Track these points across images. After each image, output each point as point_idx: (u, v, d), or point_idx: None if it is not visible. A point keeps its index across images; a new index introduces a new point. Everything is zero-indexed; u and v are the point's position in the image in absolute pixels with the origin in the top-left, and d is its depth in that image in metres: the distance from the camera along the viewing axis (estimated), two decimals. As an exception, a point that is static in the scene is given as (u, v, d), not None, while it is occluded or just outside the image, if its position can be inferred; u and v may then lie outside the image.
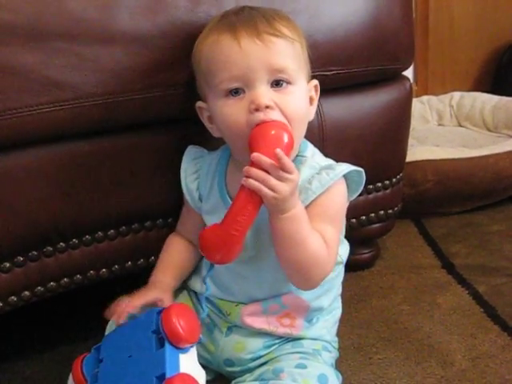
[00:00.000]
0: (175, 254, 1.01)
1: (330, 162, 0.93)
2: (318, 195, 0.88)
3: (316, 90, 0.94)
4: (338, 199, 0.92)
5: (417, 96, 2.09)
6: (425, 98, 2.13)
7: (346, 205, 0.95)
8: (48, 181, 0.95)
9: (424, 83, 2.36)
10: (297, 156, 0.91)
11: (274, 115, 0.83)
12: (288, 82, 0.85)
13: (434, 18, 2.31)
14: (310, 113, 0.92)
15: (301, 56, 0.89)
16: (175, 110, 0.98)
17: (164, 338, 0.80)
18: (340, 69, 1.08)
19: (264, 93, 0.83)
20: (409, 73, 1.23)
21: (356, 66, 1.10)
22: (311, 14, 1.04)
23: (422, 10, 2.26)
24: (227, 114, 0.86)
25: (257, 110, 0.83)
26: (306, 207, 0.88)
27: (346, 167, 0.91)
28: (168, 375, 0.76)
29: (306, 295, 0.94)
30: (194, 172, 0.98)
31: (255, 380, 0.91)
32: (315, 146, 1.08)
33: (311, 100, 0.92)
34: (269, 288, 0.94)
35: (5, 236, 0.95)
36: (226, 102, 0.85)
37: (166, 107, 0.97)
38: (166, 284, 0.96)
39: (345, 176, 0.91)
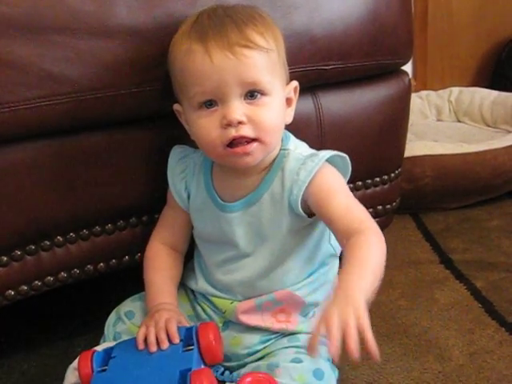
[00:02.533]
0: (166, 272, 0.99)
1: (314, 151, 0.93)
2: (310, 182, 0.88)
3: (295, 92, 0.92)
4: (332, 177, 0.91)
5: (416, 91, 2.09)
6: (423, 93, 2.13)
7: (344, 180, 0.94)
8: (45, 175, 0.95)
9: (423, 78, 2.35)
10: (280, 150, 0.91)
11: (246, 131, 0.84)
12: (262, 94, 0.85)
13: (432, 13, 2.30)
14: (289, 115, 0.92)
15: (276, 64, 0.87)
16: (173, 104, 0.97)
17: (195, 348, 0.84)
18: (339, 63, 1.08)
19: (236, 108, 0.83)
20: (408, 68, 1.23)
21: (355, 61, 1.10)
22: (311, 8, 1.03)
23: (421, 4, 2.26)
24: (200, 126, 0.86)
25: (229, 125, 0.83)
26: (308, 199, 0.88)
27: (328, 152, 0.90)
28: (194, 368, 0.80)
29: (300, 291, 0.95)
30: (181, 172, 0.97)
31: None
32: (313, 140, 1.08)
33: (289, 102, 0.91)
34: (263, 285, 0.94)
35: (2, 230, 0.95)
36: (199, 114, 0.86)
37: (164, 102, 0.96)
38: (174, 305, 0.96)
39: (330, 163, 0.91)
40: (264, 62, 0.84)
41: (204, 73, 0.82)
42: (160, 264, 0.99)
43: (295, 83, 0.92)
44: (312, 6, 1.04)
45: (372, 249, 0.83)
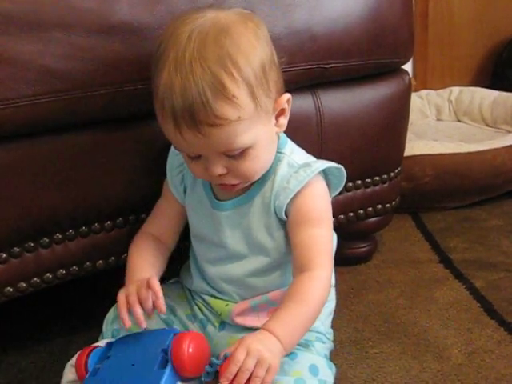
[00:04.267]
0: (149, 258, 0.97)
1: (310, 159, 0.92)
2: (297, 195, 0.87)
3: (288, 103, 0.89)
4: (319, 199, 0.90)
5: (416, 91, 2.09)
6: (424, 92, 2.12)
7: (329, 200, 0.93)
8: (45, 171, 0.95)
9: (423, 78, 2.35)
10: (278, 154, 0.90)
11: (229, 179, 0.85)
12: (243, 150, 0.82)
13: (433, 12, 2.30)
14: (282, 124, 0.89)
15: (255, 115, 0.81)
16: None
17: (169, 361, 0.80)
18: (339, 62, 1.08)
19: (216, 165, 0.83)
20: (408, 67, 1.23)
21: (355, 60, 1.10)
22: (311, 6, 1.03)
23: (421, 4, 2.26)
24: (188, 165, 0.88)
25: (211, 176, 0.85)
26: (289, 212, 0.88)
27: (322, 163, 0.90)
28: None
29: None
30: (180, 165, 0.97)
31: None
32: (313, 139, 1.09)
33: (283, 111, 0.88)
34: (258, 286, 0.94)
35: (1, 226, 0.95)
36: (185, 157, 0.87)
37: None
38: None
39: (325, 173, 0.91)
40: (238, 129, 0.80)
41: (180, 144, 0.82)
42: (143, 251, 0.97)
43: (287, 96, 0.87)
44: (313, 4, 1.04)
45: (315, 287, 0.84)
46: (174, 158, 0.98)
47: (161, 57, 0.80)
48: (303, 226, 0.87)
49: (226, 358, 0.77)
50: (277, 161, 0.90)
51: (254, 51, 0.80)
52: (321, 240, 0.88)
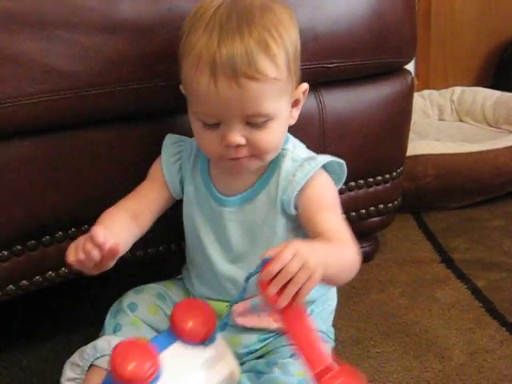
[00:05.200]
0: (120, 224, 0.90)
1: (312, 154, 0.93)
2: (304, 187, 0.88)
3: (304, 93, 0.91)
4: (327, 188, 0.91)
5: (418, 90, 2.09)
6: (426, 92, 2.12)
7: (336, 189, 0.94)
8: (47, 170, 0.95)
9: (425, 78, 2.35)
10: (282, 150, 0.91)
11: (244, 153, 0.84)
12: (265, 119, 0.84)
13: (435, 12, 2.30)
14: (293, 116, 0.91)
15: (284, 87, 0.84)
16: (176, 100, 0.97)
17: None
18: (342, 61, 1.08)
19: (236, 132, 0.83)
20: (410, 67, 1.23)
21: (358, 59, 1.10)
22: (314, 5, 1.03)
23: (424, 4, 2.25)
24: (200, 138, 0.87)
25: (228, 146, 0.84)
26: (298, 205, 0.88)
27: (326, 157, 0.91)
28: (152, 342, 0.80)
29: None
30: (176, 153, 0.96)
31: (249, 371, 0.90)
32: (315, 138, 1.09)
33: (297, 102, 0.90)
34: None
35: (3, 225, 0.95)
36: (201, 128, 0.86)
37: (166, 97, 0.96)
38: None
39: (326, 169, 0.91)
40: (271, 91, 0.82)
41: (208, 98, 0.81)
42: (117, 221, 0.90)
43: (305, 86, 0.90)
44: (316, 3, 1.04)
45: (345, 248, 0.83)
46: (170, 148, 0.97)
47: (200, 18, 0.82)
48: (320, 214, 0.87)
49: (264, 262, 0.73)
50: (281, 157, 0.90)
51: (292, 29, 0.85)
52: (340, 223, 0.88)
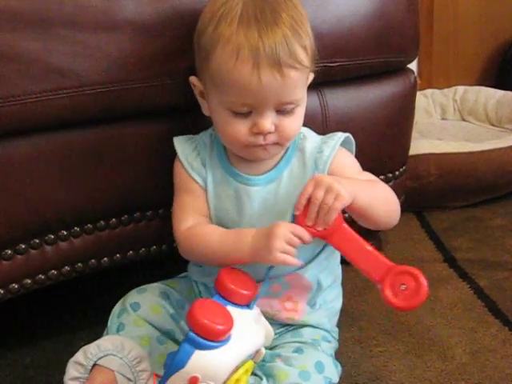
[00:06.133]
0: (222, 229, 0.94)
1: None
2: (333, 161, 0.93)
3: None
4: (349, 156, 0.98)
5: (420, 89, 2.08)
6: (428, 91, 2.12)
7: None
8: (50, 169, 0.95)
9: (428, 77, 2.35)
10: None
11: (272, 139, 0.88)
12: (294, 106, 0.88)
13: (438, 11, 2.30)
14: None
15: (308, 72, 0.90)
16: (179, 99, 0.98)
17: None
18: (345, 60, 1.08)
19: (269, 119, 0.86)
20: (413, 66, 1.23)
21: (361, 58, 1.10)
22: (317, 4, 1.03)
23: (426, 3, 2.25)
24: (228, 126, 0.88)
25: (259, 133, 0.87)
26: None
27: (343, 133, 0.97)
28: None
29: (308, 273, 0.95)
30: (194, 149, 0.97)
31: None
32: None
33: None
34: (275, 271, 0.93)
35: (6, 223, 0.95)
36: (230, 116, 0.87)
37: (169, 96, 0.97)
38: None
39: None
40: (302, 78, 0.88)
41: (249, 88, 0.83)
42: (210, 228, 0.94)
43: (312, 76, 0.94)
44: (318, 2, 1.04)
45: (376, 184, 0.96)
46: (185, 145, 0.97)
47: (229, 11, 0.84)
48: (353, 175, 0.94)
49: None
50: (298, 139, 0.95)
51: (307, 19, 0.89)
52: (371, 176, 0.98)
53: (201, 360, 0.78)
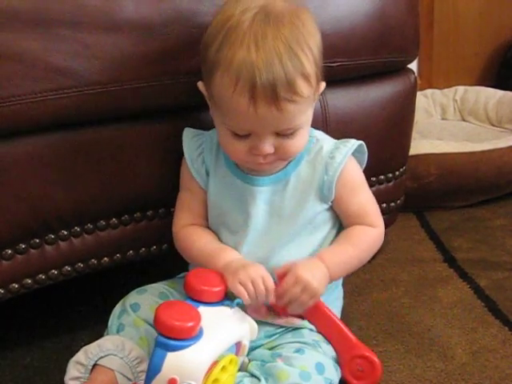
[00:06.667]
0: (212, 236, 0.98)
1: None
2: (342, 169, 0.93)
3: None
4: (358, 168, 0.99)
5: (421, 89, 2.08)
6: (429, 91, 2.12)
7: None
8: (51, 168, 0.95)
9: (428, 77, 2.35)
10: (310, 137, 0.95)
11: (272, 158, 0.88)
12: (295, 130, 0.87)
13: (438, 11, 2.30)
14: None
15: (313, 97, 0.89)
16: (179, 98, 0.98)
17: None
18: (345, 60, 1.08)
19: (267, 143, 0.86)
20: (413, 66, 1.23)
21: (361, 58, 1.10)
22: (317, 4, 1.03)
23: (427, 3, 2.25)
24: (228, 145, 0.89)
25: (257, 155, 0.87)
26: (337, 186, 0.94)
27: (356, 140, 0.97)
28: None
29: None
30: (198, 147, 0.98)
31: (254, 360, 0.91)
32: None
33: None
34: (272, 260, 0.95)
35: (7, 223, 0.95)
36: (230, 136, 0.88)
37: (170, 96, 0.97)
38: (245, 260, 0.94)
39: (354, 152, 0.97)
40: (303, 106, 0.86)
41: (247, 117, 0.83)
42: (199, 235, 0.98)
43: (324, 84, 0.93)
44: (318, 2, 1.04)
45: (366, 234, 0.97)
46: (191, 142, 0.98)
47: (233, 31, 0.82)
48: (354, 194, 0.96)
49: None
50: (311, 143, 0.95)
51: (317, 36, 0.87)
52: (372, 201, 0.99)
53: (175, 361, 0.79)
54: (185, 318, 0.80)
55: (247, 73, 0.80)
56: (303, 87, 0.83)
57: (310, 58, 0.84)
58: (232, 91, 0.82)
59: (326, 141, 0.96)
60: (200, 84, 0.92)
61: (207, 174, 0.98)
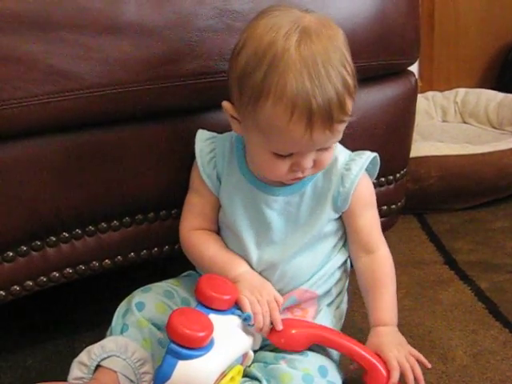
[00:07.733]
0: (221, 243, 0.98)
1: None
2: (358, 183, 0.94)
3: None
4: (370, 183, 0.99)
5: (421, 92, 2.08)
6: (429, 93, 2.12)
7: None
8: (52, 171, 0.95)
9: (429, 79, 2.35)
10: None
11: (310, 172, 0.89)
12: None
13: (439, 14, 2.30)
14: None
15: None
16: (181, 101, 0.98)
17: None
18: (345, 63, 1.08)
19: (310, 159, 0.86)
20: (414, 68, 1.23)
21: (362, 61, 1.09)
22: (317, 7, 1.03)
23: (427, 5, 2.25)
24: (267, 165, 0.88)
25: (297, 170, 0.87)
26: (352, 198, 0.94)
27: (371, 152, 0.98)
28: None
29: (320, 289, 0.97)
30: (210, 151, 0.97)
31: (258, 361, 0.91)
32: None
33: None
34: (287, 283, 0.95)
35: (8, 225, 0.95)
36: (271, 157, 0.86)
37: (171, 99, 0.97)
38: (255, 272, 0.95)
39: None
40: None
41: (299, 143, 0.83)
42: (208, 243, 0.98)
43: None
44: (319, 5, 1.04)
45: (382, 265, 0.99)
46: (204, 146, 0.97)
47: (280, 58, 0.80)
48: (365, 210, 0.97)
49: None
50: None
51: (346, 42, 0.87)
52: (377, 219, 1.01)
53: (185, 370, 0.78)
54: (198, 326, 0.79)
55: (303, 101, 0.79)
56: (350, 105, 0.84)
57: (350, 73, 0.84)
58: (287, 120, 0.81)
59: (340, 152, 0.96)
60: (226, 104, 0.89)
61: (218, 178, 0.97)
